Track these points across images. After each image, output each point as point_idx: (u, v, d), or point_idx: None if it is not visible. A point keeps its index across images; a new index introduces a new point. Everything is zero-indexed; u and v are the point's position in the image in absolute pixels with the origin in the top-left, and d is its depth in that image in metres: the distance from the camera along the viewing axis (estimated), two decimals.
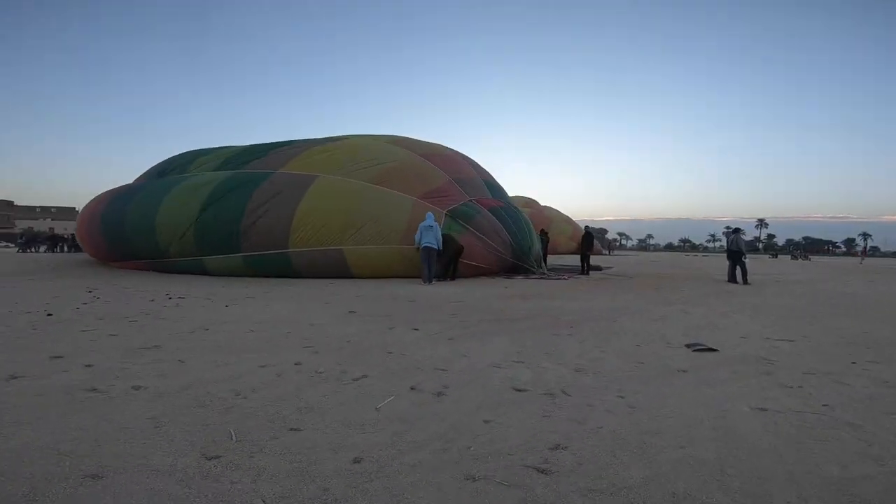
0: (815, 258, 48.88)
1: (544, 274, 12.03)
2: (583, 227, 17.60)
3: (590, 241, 13.97)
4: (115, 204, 12.88)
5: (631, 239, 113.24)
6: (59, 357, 3.55)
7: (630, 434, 2.18)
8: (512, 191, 16.80)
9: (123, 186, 14.30)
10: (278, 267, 10.21)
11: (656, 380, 3.13)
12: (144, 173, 14.76)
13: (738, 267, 12.01)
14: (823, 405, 2.63)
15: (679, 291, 9.30)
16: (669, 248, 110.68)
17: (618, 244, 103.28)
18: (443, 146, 13.62)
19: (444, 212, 10.57)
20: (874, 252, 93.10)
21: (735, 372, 3.37)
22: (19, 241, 30.20)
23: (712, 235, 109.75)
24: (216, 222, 10.46)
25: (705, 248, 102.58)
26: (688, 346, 4.21)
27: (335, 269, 10.02)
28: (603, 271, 15.61)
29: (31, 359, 3.49)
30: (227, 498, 1.62)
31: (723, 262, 15.14)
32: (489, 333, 4.59)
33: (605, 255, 39.15)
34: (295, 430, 2.20)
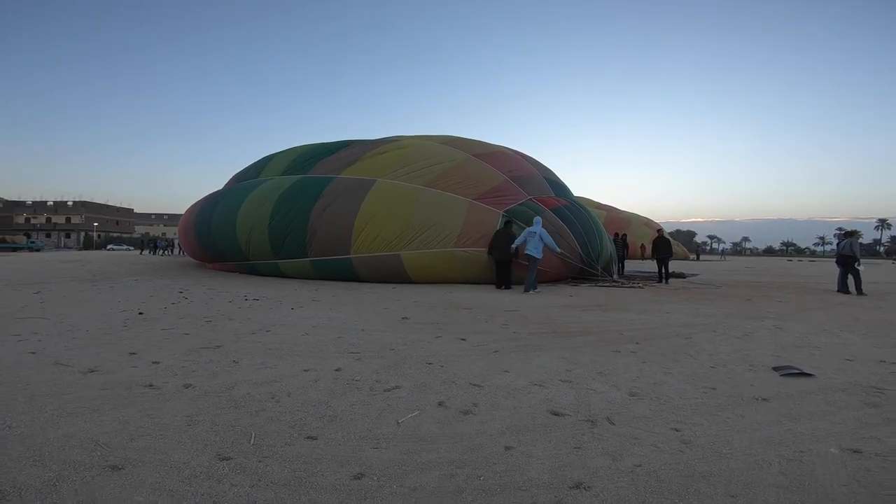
0: None
1: (616, 281, 11.30)
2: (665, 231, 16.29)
3: (665, 244, 12.90)
4: (205, 209, 14.22)
5: (724, 242, 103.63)
6: (134, 353, 3.91)
7: (672, 476, 1.88)
8: (583, 194, 16.03)
9: (214, 192, 15.73)
10: (342, 271, 10.61)
11: (726, 410, 2.72)
12: (231, 178, 16.16)
13: (850, 275, 10.53)
14: None
15: (774, 303, 8.24)
16: (769, 252, 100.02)
17: (708, 248, 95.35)
18: (499, 146, 13.35)
19: (501, 212, 10.33)
20: None
21: (831, 403, 2.89)
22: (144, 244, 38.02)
23: (821, 238, 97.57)
24: (286, 228, 11.10)
25: (812, 253, 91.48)
26: (775, 369, 3.65)
27: (394, 274, 10.19)
28: (686, 279, 14.37)
29: (112, 354, 3.88)
30: (219, 500, 1.67)
31: (833, 270, 13.27)
32: (538, 348, 4.33)
33: (692, 260, 36.25)
34: (311, 438, 2.21)
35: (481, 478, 1.86)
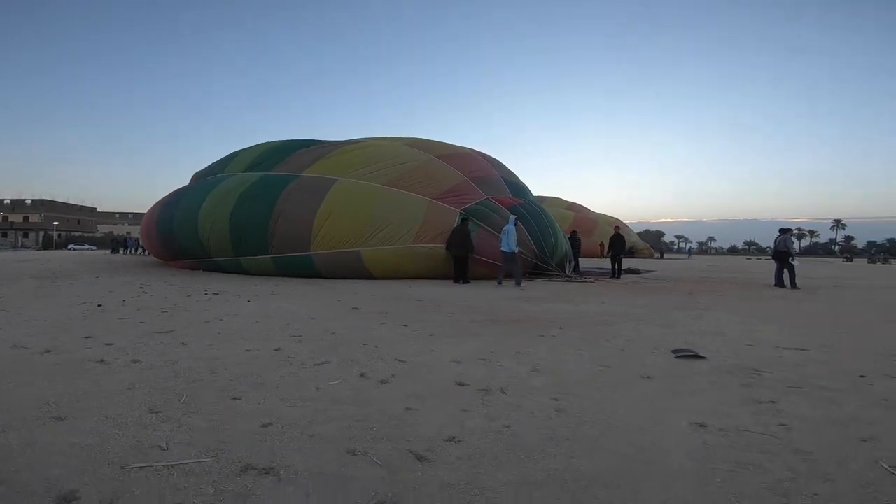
0: None
1: (569, 277, 11.89)
2: (632, 230, 17.02)
3: (619, 241, 13.60)
4: (167, 206, 14.20)
5: (691, 241, 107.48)
6: (89, 337, 4.17)
7: (532, 437, 2.18)
8: (559, 195, 16.61)
9: (177, 189, 15.68)
10: (303, 268, 10.85)
11: (611, 386, 3.04)
12: (194, 175, 16.13)
13: (785, 270, 11.30)
14: (780, 424, 2.40)
15: (710, 297, 8.88)
16: (733, 251, 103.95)
17: (676, 247, 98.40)
18: (462, 147, 13.84)
19: (459, 211, 10.78)
20: None
21: (711, 382, 3.15)
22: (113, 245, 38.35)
23: (794, 239, 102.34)
24: (247, 225, 11.26)
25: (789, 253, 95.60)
26: (674, 352, 3.98)
27: (355, 270, 10.49)
28: (640, 275, 15.11)
29: (69, 338, 4.14)
30: (142, 439, 2.03)
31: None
32: (473, 333, 4.73)
33: (657, 258, 37.59)
34: (236, 399, 2.57)
35: (374, 429, 2.21)
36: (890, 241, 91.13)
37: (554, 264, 11.73)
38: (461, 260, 10.18)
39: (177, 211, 13.29)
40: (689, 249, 69.70)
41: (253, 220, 11.18)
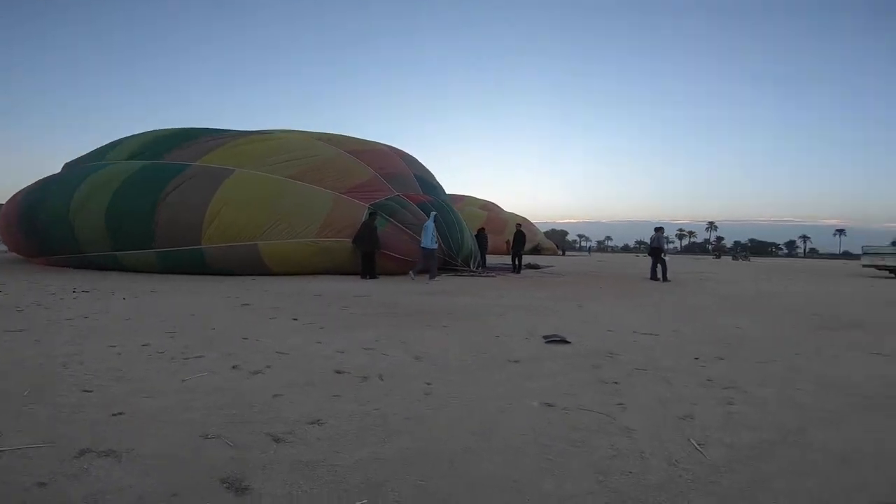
0: (756, 259, 51.69)
1: (473, 272, 12.42)
2: (539, 230, 18.08)
3: (520, 238, 14.49)
4: (32, 195, 12.40)
5: (590, 240, 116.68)
6: None
7: (396, 418, 2.31)
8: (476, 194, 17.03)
9: (46, 177, 13.75)
10: (192, 263, 10.06)
11: (480, 370, 3.23)
12: (65, 165, 14.25)
13: (658, 264, 12.70)
14: (618, 404, 2.60)
15: (593, 289, 9.83)
16: (626, 249, 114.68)
17: (577, 245, 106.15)
18: (376, 142, 13.82)
19: (367, 206, 10.79)
20: (813, 253, 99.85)
21: (567, 365, 3.41)
22: None
23: (666, 237, 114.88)
24: (127, 215, 10.21)
25: (667, 250, 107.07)
26: (545, 338, 4.35)
27: (251, 265, 9.98)
28: (539, 270, 16.17)
29: None
30: None
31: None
32: (365, 325, 4.82)
33: (559, 255, 40.22)
34: (87, 391, 2.45)
35: (234, 415, 2.23)
36: (751, 240, 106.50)
37: (460, 260, 12.16)
38: (369, 255, 10.19)
39: (44, 201, 11.64)
40: (590, 248, 75.77)
41: (134, 211, 10.14)
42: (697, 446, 2.07)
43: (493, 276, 11.99)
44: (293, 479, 1.69)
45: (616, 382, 3.02)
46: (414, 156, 14.39)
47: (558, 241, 61.50)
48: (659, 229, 13.14)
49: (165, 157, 11.42)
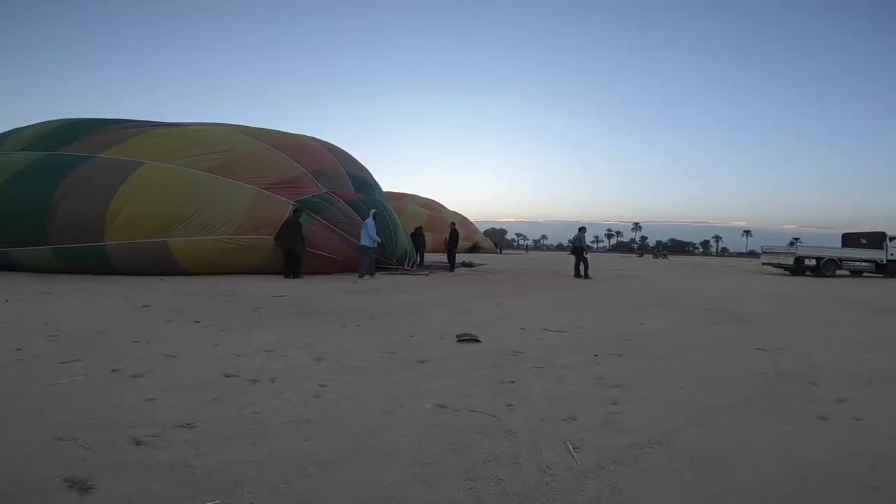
0: (675, 258, 55.96)
1: (407, 271, 12.38)
2: (478, 228, 18.28)
3: (453, 237, 14.67)
4: None
5: (528, 239, 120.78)
6: None
7: (276, 422, 2.24)
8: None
9: None
10: (94, 261, 9.20)
11: (382, 370, 3.18)
12: None
13: (581, 262, 13.33)
14: (508, 405, 2.58)
15: (517, 286, 10.14)
16: (559, 247, 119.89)
17: (515, 244, 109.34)
18: (303, 136, 13.35)
19: (291, 202, 10.41)
20: (724, 252, 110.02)
21: (471, 364, 3.41)
22: None
23: (596, 237, 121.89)
24: (18, 208, 9.17)
25: (590, 249, 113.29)
26: (457, 336, 4.33)
27: (161, 264, 9.29)
28: (473, 268, 16.42)
29: None
30: None
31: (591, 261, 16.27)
32: (272, 326, 4.64)
33: (497, 253, 41.14)
34: None
35: (98, 417, 2.13)
36: (671, 240, 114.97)
37: (394, 259, 12.07)
38: (293, 254, 9.82)
39: None
40: (527, 246, 78.24)
41: (25, 204, 9.09)
42: (572, 450, 2.05)
43: (425, 275, 12.02)
44: (145, 479, 1.66)
45: (512, 382, 3.02)
46: (349, 152, 14.05)
47: (497, 239, 62.92)
48: (581, 229, 13.80)
49: (65, 149, 10.31)
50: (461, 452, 2.02)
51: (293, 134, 13.33)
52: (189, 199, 9.45)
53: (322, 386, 2.83)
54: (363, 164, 14.31)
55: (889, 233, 19.05)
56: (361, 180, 13.19)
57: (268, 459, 1.88)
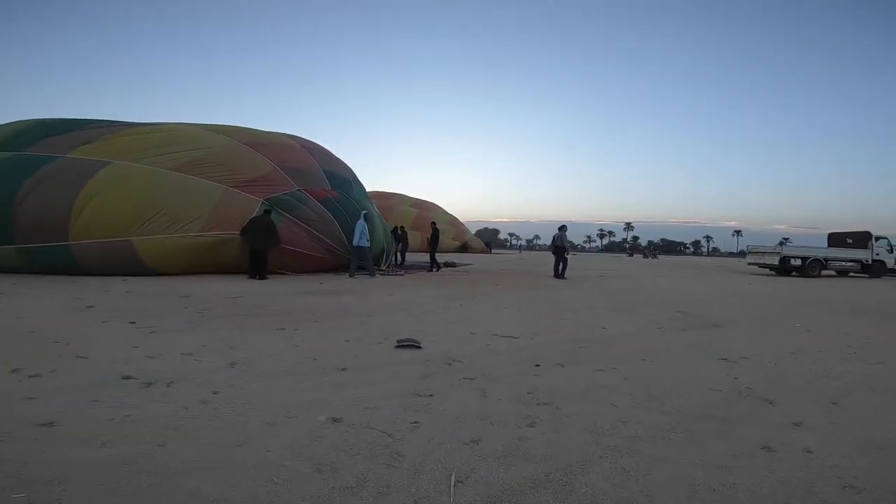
0: (665, 257, 56.00)
1: (382, 270, 12.23)
2: (468, 228, 18.14)
3: (434, 236, 14.51)
4: None
5: (521, 239, 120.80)
6: None
7: (150, 427, 2.19)
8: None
9: None
10: (59, 261, 9.09)
11: (292, 378, 3.02)
12: None
13: (561, 262, 13.15)
14: (413, 422, 2.39)
15: (490, 287, 9.95)
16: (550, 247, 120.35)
17: (508, 244, 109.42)
18: (278, 134, 13.22)
19: (261, 200, 10.28)
20: (715, 252, 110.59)
21: (398, 373, 3.22)
22: None
23: (588, 237, 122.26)
24: None
25: (582, 248, 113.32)
26: (397, 342, 4.13)
27: (127, 264, 9.17)
28: (455, 268, 16.28)
29: None
30: None
31: (575, 260, 16.27)
32: (205, 329, 4.54)
33: (487, 253, 41.07)
34: None
35: None
36: (663, 240, 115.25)
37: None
38: (260, 253, 9.65)
39: None
40: (520, 246, 78.17)
41: None
42: (453, 485, 1.81)
43: (400, 275, 11.87)
44: None
45: (431, 395, 2.78)
46: (343, 151, 13.89)
47: (490, 239, 62.88)
48: (562, 228, 13.56)
49: (28, 150, 10.11)
50: (325, 475, 1.85)
51: (269, 132, 13.17)
52: (154, 198, 9.34)
53: (215, 393, 2.72)
54: (354, 163, 14.16)
55: (874, 233, 19.06)
56: (339, 177, 13.00)
57: (105, 461, 1.84)
